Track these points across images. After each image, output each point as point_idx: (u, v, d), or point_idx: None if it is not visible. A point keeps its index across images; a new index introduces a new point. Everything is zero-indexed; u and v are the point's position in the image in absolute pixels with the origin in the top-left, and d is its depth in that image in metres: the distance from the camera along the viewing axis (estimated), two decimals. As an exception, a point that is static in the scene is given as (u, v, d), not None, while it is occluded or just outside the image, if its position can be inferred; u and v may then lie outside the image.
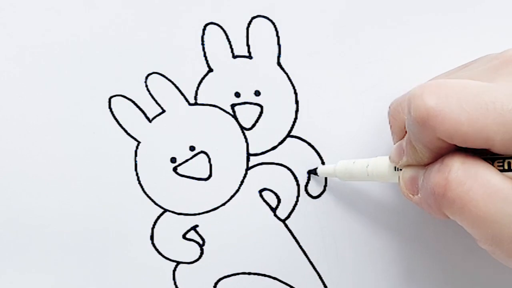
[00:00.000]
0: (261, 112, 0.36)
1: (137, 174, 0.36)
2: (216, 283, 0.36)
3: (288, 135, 0.36)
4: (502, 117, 0.24)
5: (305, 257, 0.36)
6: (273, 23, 0.36)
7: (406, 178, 0.29)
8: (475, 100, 0.24)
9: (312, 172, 0.36)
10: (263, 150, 0.36)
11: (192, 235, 0.36)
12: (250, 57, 0.36)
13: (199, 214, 0.36)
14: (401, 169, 0.30)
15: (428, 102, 0.25)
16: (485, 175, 0.25)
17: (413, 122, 0.26)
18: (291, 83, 0.36)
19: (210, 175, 0.36)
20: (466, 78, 0.28)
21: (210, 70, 0.36)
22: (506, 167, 0.25)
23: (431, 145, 0.26)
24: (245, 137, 0.36)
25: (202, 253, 0.36)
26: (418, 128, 0.26)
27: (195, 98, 0.36)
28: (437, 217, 0.27)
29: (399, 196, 0.36)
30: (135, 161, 0.36)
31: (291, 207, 0.36)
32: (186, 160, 0.36)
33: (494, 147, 0.25)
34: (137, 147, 0.36)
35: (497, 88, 0.25)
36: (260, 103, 0.36)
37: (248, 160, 0.36)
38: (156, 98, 0.36)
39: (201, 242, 0.36)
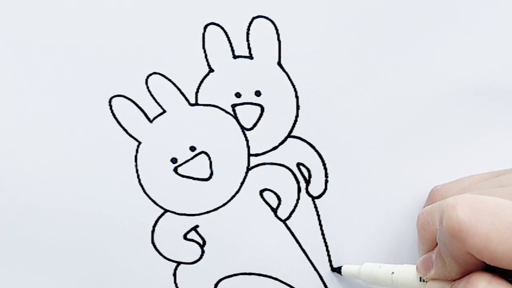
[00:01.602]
0: (261, 113, 0.36)
1: (137, 174, 0.36)
2: (216, 284, 0.36)
3: (289, 135, 0.36)
4: None
5: (305, 257, 0.36)
6: (274, 23, 0.36)
7: None
8: (508, 219, 0.25)
9: (336, 270, 0.36)
10: (264, 151, 0.36)
11: (192, 235, 0.36)
12: (250, 57, 0.36)
13: (199, 214, 0.36)
14: (427, 281, 0.30)
15: (460, 214, 0.25)
16: None
17: (444, 232, 0.26)
18: (292, 83, 0.36)
19: (210, 176, 0.36)
20: (501, 195, 0.28)
21: (211, 70, 0.36)
22: None
23: (460, 259, 0.27)
24: (245, 137, 0.36)
25: (202, 253, 0.36)
26: (449, 240, 0.26)
27: (196, 98, 0.36)
28: None
29: (399, 196, 0.36)
30: (136, 161, 0.36)
31: (292, 208, 0.36)
32: (187, 161, 0.36)
33: None
34: (137, 148, 0.36)
35: None
36: (261, 103, 0.36)
37: (248, 160, 0.36)
38: (157, 98, 0.36)
39: (201, 242, 0.36)
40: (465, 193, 0.26)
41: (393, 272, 0.32)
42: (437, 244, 0.29)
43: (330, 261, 0.36)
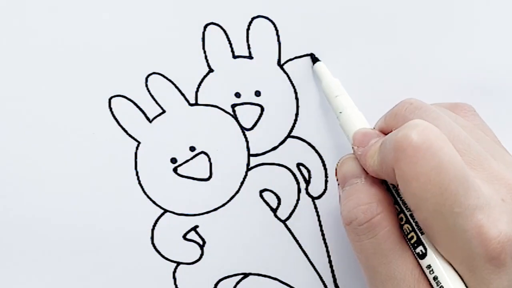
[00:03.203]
0: (261, 113, 0.36)
1: (137, 174, 0.36)
2: (216, 284, 0.36)
3: (289, 135, 0.36)
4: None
5: (305, 257, 0.36)
6: (274, 23, 0.36)
7: (344, 167, 0.31)
8: (440, 182, 0.25)
9: (313, 58, 0.36)
10: (264, 151, 0.36)
11: (192, 235, 0.36)
12: (250, 57, 0.36)
13: (199, 214, 0.36)
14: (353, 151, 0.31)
15: (415, 139, 0.26)
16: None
17: (391, 141, 0.27)
18: (292, 83, 0.36)
19: (210, 176, 0.36)
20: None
21: (211, 70, 0.36)
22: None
23: (384, 167, 0.28)
24: (245, 137, 0.36)
25: (202, 253, 0.36)
26: (390, 148, 0.27)
27: (196, 98, 0.36)
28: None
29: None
30: (135, 161, 0.36)
31: (292, 208, 0.36)
32: (187, 161, 0.36)
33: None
34: (137, 148, 0.36)
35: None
36: (261, 104, 0.36)
37: (248, 160, 0.36)
38: (156, 99, 0.36)
39: (201, 242, 0.36)
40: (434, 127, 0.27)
41: (340, 112, 0.33)
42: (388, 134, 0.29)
43: (330, 261, 0.36)
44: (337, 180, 0.32)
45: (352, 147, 0.31)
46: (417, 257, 0.28)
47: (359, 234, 0.29)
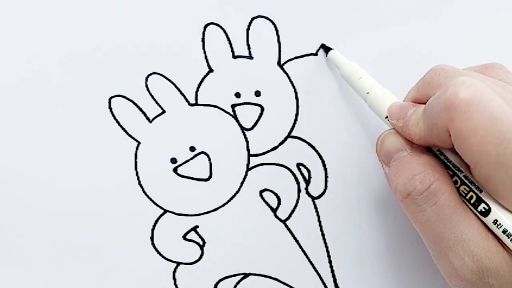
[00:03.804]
0: (261, 113, 0.36)
1: (137, 174, 0.36)
2: (216, 284, 0.36)
3: (289, 135, 0.36)
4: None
5: (305, 257, 0.36)
6: (274, 23, 0.36)
7: (386, 143, 0.31)
8: (500, 131, 0.25)
9: (324, 48, 0.35)
10: (264, 151, 0.36)
11: (192, 235, 0.36)
12: (250, 57, 0.36)
13: (199, 214, 0.36)
14: (390, 126, 0.31)
15: (465, 95, 0.26)
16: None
17: (441, 101, 0.27)
18: (292, 83, 0.36)
19: (210, 176, 0.36)
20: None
21: (211, 70, 0.36)
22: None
23: (435, 130, 0.27)
24: (245, 137, 0.36)
25: (202, 253, 0.36)
26: (441, 109, 0.27)
27: (196, 98, 0.36)
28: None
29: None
30: (135, 161, 0.36)
31: (292, 208, 0.36)
32: (187, 161, 0.36)
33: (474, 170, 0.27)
34: (137, 148, 0.36)
35: None
36: (261, 104, 0.36)
37: (248, 160, 0.36)
38: (156, 99, 0.36)
39: (201, 242, 0.36)
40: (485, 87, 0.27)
41: (368, 92, 0.33)
42: (425, 102, 0.29)
43: (330, 261, 0.36)
44: (379, 158, 0.32)
45: (390, 122, 0.31)
46: (480, 215, 0.28)
47: (420, 204, 0.28)
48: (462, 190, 0.28)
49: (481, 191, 0.28)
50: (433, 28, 0.36)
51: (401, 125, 0.30)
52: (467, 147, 0.26)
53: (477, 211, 0.28)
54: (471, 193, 0.28)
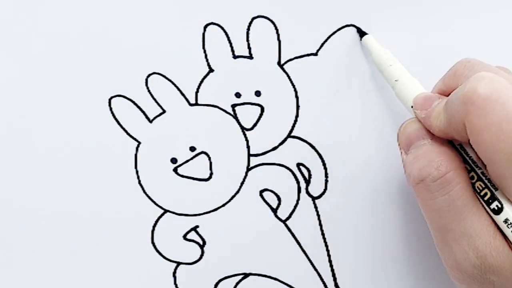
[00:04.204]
0: (261, 113, 0.36)
1: (137, 174, 0.36)
2: (216, 284, 0.36)
3: (289, 135, 0.36)
4: None
5: (305, 257, 0.36)
6: (274, 23, 0.36)
7: (408, 131, 0.31)
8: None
9: (360, 32, 0.36)
10: (264, 151, 0.36)
11: (192, 235, 0.36)
12: (250, 57, 0.36)
13: (199, 214, 0.36)
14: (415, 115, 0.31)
15: (483, 90, 0.26)
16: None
17: (460, 95, 0.27)
18: (292, 83, 0.36)
19: (210, 176, 0.36)
20: None
21: (211, 70, 0.36)
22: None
23: (453, 123, 0.28)
24: (245, 137, 0.36)
25: (202, 253, 0.36)
26: (459, 103, 0.27)
27: (196, 98, 0.36)
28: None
29: (399, 196, 0.36)
30: (135, 161, 0.36)
31: (292, 208, 0.36)
32: (187, 161, 0.36)
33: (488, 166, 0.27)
34: (137, 148, 0.36)
35: None
36: (261, 104, 0.36)
37: (248, 160, 0.36)
38: (157, 99, 0.36)
39: (201, 242, 0.36)
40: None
41: (397, 80, 0.33)
42: (449, 94, 0.29)
43: (330, 261, 0.36)
44: (399, 145, 0.32)
45: (414, 111, 0.31)
46: (492, 213, 0.28)
47: (432, 191, 0.28)
48: (477, 186, 0.28)
49: (496, 189, 0.28)
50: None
51: (423, 116, 0.30)
52: (480, 143, 0.26)
53: (490, 208, 0.28)
54: (486, 190, 0.28)
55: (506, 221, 0.27)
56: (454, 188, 0.28)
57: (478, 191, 0.28)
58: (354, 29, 0.36)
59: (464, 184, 0.28)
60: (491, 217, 0.28)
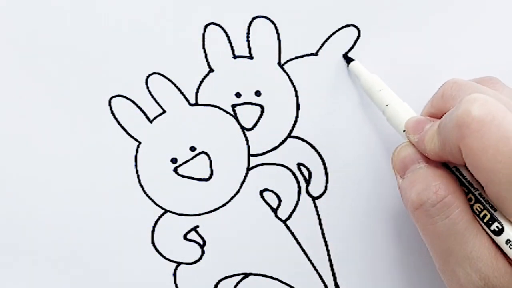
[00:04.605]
0: (261, 113, 0.36)
1: (137, 174, 0.36)
2: (216, 284, 0.36)
3: (289, 135, 0.36)
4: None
5: (306, 257, 0.36)
6: (274, 24, 0.36)
7: (402, 155, 0.31)
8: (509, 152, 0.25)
9: (346, 59, 0.35)
10: (264, 151, 0.36)
11: (192, 235, 0.36)
12: (251, 57, 0.36)
13: (199, 214, 0.36)
14: (407, 139, 0.31)
15: (477, 113, 0.26)
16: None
17: (453, 117, 0.27)
18: (292, 83, 0.36)
19: (210, 176, 0.36)
20: None
21: (211, 70, 0.36)
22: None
23: (448, 147, 0.27)
24: (245, 137, 0.36)
25: (202, 253, 0.36)
26: (453, 126, 0.26)
27: (196, 98, 0.36)
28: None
29: (399, 196, 0.36)
30: (136, 161, 0.36)
31: (292, 208, 0.36)
32: (187, 161, 0.36)
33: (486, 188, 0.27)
34: (137, 148, 0.36)
35: None
36: (261, 104, 0.36)
37: (249, 160, 0.36)
38: (157, 99, 0.36)
39: (201, 242, 0.36)
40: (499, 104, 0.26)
41: (387, 105, 0.33)
42: (441, 117, 0.29)
43: (330, 260, 0.36)
44: (394, 170, 0.32)
45: (407, 136, 0.31)
46: (492, 234, 0.28)
47: (432, 216, 0.28)
48: (476, 208, 0.28)
49: (495, 210, 0.28)
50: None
51: (417, 140, 0.30)
52: (478, 166, 0.26)
53: (490, 230, 0.28)
54: (484, 212, 0.28)
55: (507, 242, 0.27)
56: (454, 211, 0.28)
57: (477, 212, 0.28)
58: (355, 29, 0.36)
59: (464, 207, 0.28)
60: (491, 238, 0.28)
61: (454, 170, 0.30)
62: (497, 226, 0.27)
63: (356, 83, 0.36)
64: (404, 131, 0.32)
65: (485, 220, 0.28)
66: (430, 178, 0.29)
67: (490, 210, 0.28)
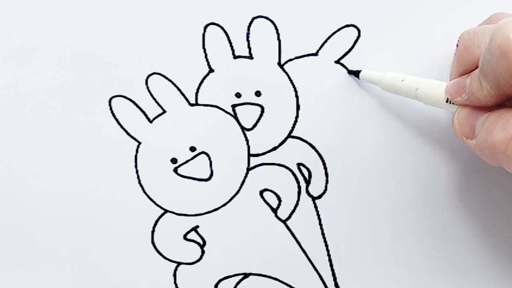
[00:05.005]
0: (261, 113, 0.36)
1: (137, 174, 0.36)
2: (216, 284, 0.36)
3: (289, 135, 0.36)
4: None
5: (305, 257, 0.36)
6: (274, 24, 0.36)
7: (462, 119, 0.30)
8: None
9: (354, 73, 0.35)
10: (264, 151, 0.36)
11: (192, 235, 0.36)
12: (251, 57, 0.36)
13: (199, 214, 0.36)
14: (453, 103, 0.30)
15: None
16: None
17: (495, 50, 0.26)
18: (292, 83, 0.36)
19: (210, 176, 0.36)
20: None
21: (211, 70, 0.36)
22: None
23: (502, 79, 0.27)
24: (245, 137, 0.36)
25: (202, 253, 0.36)
26: (498, 58, 0.26)
27: (196, 98, 0.36)
28: (490, 162, 0.28)
29: (399, 196, 0.36)
30: (136, 161, 0.36)
31: (292, 208, 0.36)
32: (187, 161, 0.36)
33: None
34: (137, 148, 0.36)
35: None
36: (261, 104, 0.36)
37: (248, 160, 0.36)
38: (157, 99, 0.36)
39: (201, 242, 0.36)
40: None
41: (417, 89, 0.32)
42: (476, 68, 0.29)
43: (330, 260, 0.36)
44: (463, 138, 0.31)
45: (454, 101, 0.30)
46: None
47: None
48: None
49: None
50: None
51: (466, 97, 0.30)
52: None
53: None
54: None
55: None
56: None
57: None
58: (354, 29, 0.36)
59: None
60: None
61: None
62: None
63: (356, 83, 0.36)
64: (447, 100, 0.31)
65: None
66: (502, 115, 0.28)
67: None
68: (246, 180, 0.36)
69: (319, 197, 0.36)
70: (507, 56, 0.26)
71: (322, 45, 0.36)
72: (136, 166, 0.36)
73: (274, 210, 0.36)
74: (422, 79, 0.32)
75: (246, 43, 0.36)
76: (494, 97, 0.28)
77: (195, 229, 0.36)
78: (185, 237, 0.36)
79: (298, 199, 0.36)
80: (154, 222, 0.36)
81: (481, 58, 0.28)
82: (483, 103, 0.29)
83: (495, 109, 0.29)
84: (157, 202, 0.36)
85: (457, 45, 0.31)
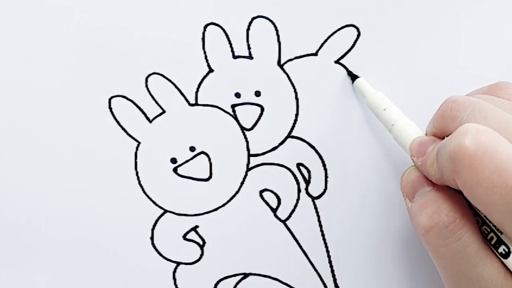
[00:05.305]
0: (261, 113, 0.36)
1: (137, 174, 0.36)
2: (216, 284, 0.36)
3: (289, 135, 0.36)
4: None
5: (305, 257, 0.36)
6: (274, 24, 0.36)
7: (409, 180, 0.31)
8: (506, 181, 0.25)
9: (351, 76, 0.35)
10: (264, 151, 0.36)
11: (192, 235, 0.36)
12: (250, 57, 0.36)
13: (199, 214, 0.36)
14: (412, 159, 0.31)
15: (469, 147, 0.25)
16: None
17: (445, 152, 0.27)
18: (292, 83, 0.36)
19: (210, 176, 0.36)
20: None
21: (211, 70, 0.36)
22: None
23: (445, 176, 0.27)
24: (245, 137, 0.36)
25: (202, 254, 0.36)
26: (446, 160, 0.26)
27: (196, 98, 0.36)
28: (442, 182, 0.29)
29: (399, 196, 0.36)
30: (135, 161, 0.36)
31: (292, 208, 0.36)
32: (187, 161, 0.36)
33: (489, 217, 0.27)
34: (137, 148, 0.36)
35: None
36: (261, 104, 0.36)
37: (248, 160, 0.36)
38: (156, 99, 0.36)
39: (201, 242, 0.36)
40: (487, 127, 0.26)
41: (393, 124, 0.33)
42: (443, 137, 0.29)
43: (330, 261, 0.36)
44: (403, 193, 0.31)
45: (412, 159, 0.31)
46: (500, 257, 0.27)
47: (445, 238, 0.28)
48: (483, 230, 0.28)
49: (501, 233, 0.27)
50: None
51: (420, 163, 0.30)
52: (475, 198, 0.26)
53: (498, 252, 0.28)
54: (491, 234, 0.28)
55: None
56: (465, 234, 0.28)
57: (485, 235, 0.28)
58: (354, 29, 0.36)
59: (474, 229, 0.28)
60: (500, 260, 0.28)
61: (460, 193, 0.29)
62: (504, 249, 0.27)
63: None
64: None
65: (492, 243, 0.28)
66: (440, 200, 0.29)
67: (497, 232, 0.27)
68: (245, 180, 0.36)
69: (319, 197, 0.36)
70: (453, 163, 0.26)
71: (322, 45, 0.36)
72: (135, 166, 0.36)
73: (274, 210, 0.36)
74: (402, 118, 0.33)
75: (246, 43, 0.36)
76: (438, 181, 0.29)
77: (194, 229, 0.36)
78: (184, 237, 0.36)
79: (298, 199, 0.36)
80: (154, 222, 0.36)
81: (441, 143, 0.28)
82: (430, 178, 0.30)
83: (440, 187, 0.29)
84: (157, 202, 0.36)
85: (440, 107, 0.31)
